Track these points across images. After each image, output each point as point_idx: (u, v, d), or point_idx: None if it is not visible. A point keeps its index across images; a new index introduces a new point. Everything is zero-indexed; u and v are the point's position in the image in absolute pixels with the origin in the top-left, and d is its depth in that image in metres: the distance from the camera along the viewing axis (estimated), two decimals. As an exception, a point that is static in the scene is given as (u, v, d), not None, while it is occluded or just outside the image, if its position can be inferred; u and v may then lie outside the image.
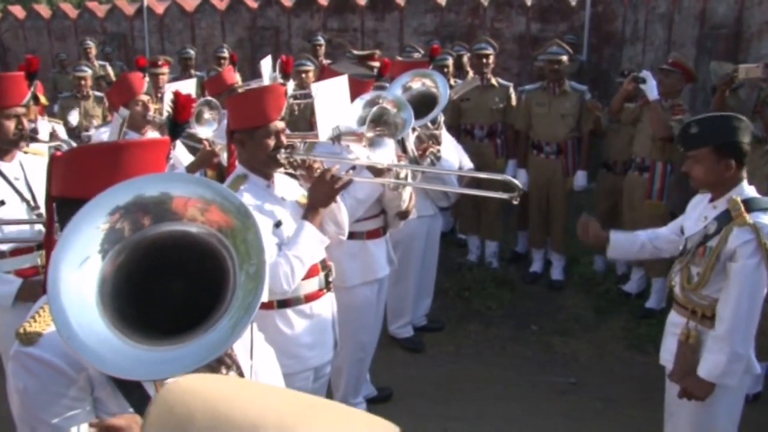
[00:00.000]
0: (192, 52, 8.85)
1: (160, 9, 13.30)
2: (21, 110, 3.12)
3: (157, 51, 12.43)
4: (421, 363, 5.08)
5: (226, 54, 8.61)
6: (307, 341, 3.00)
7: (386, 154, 3.10)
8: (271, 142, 2.83)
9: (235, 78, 5.13)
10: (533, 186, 6.18)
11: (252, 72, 10.73)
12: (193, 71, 8.53)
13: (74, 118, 6.08)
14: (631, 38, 9.37)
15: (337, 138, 3.02)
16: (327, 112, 3.01)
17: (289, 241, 2.80)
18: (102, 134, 5.66)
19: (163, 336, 1.24)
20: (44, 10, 14.96)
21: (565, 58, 5.88)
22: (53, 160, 1.63)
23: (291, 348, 2.91)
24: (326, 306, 3.08)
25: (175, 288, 1.44)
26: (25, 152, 3.32)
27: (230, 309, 1.23)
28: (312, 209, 2.90)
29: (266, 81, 4.75)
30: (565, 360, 5.06)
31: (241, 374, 1.64)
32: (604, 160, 6.12)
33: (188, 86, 4.29)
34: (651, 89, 5.15)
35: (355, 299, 3.83)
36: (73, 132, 6.01)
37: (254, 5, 12.45)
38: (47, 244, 1.70)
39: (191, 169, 4.11)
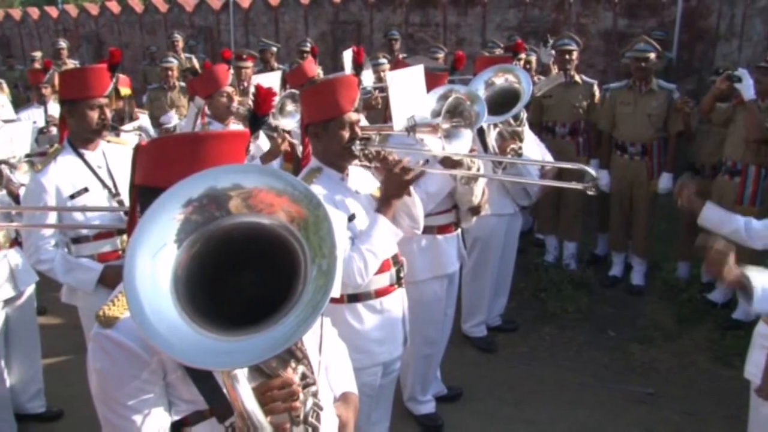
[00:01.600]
0: (270, 45, 8.97)
1: (245, 3, 13.59)
2: (104, 101, 3.23)
3: (242, 44, 12.72)
4: (493, 363, 4.99)
5: (308, 47, 8.71)
6: (376, 336, 2.98)
7: (462, 145, 3.04)
8: (346, 134, 2.81)
9: (316, 70, 5.16)
10: (616, 187, 5.98)
11: (334, 65, 10.83)
12: (276, 64, 8.65)
13: (173, 119, 6.17)
14: (726, 34, 8.92)
15: (411, 129, 2.97)
16: (402, 102, 2.97)
17: (363, 235, 2.78)
18: (184, 125, 5.82)
19: (233, 326, 1.24)
20: (137, 5, 15.55)
21: (653, 55, 5.65)
22: (137, 150, 1.66)
23: (360, 343, 2.89)
24: (397, 302, 3.05)
25: (247, 279, 1.45)
26: (108, 141, 3.43)
27: (299, 305, 1.22)
28: (385, 201, 2.87)
29: (349, 73, 4.76)
30: (643, 369, 4.87)
31: (310, 368, 1.63)
32: (691, 162, 5.84)
33: (272, 79, 4.34)
34: (747, 88, 4.88)
35: (424, 294, 3.79)
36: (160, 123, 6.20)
37: (337, 0, 12.55)
38: (130, 231, 1.72)
39: (264, 160, 4.16)
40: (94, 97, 3.16)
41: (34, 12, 17.43)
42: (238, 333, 1.22)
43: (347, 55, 4.92)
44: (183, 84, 7.76)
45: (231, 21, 13.43)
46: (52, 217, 3.24)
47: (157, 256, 1.27)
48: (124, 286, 1.22)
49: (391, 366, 3.19)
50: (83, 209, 3.04)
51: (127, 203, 3.26)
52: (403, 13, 11.95)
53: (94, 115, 3.18)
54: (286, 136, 4.15)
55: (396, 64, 3.85)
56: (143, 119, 5.32)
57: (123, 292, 1.45)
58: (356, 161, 2.92)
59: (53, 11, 17.09)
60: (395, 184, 2.84)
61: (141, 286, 1.23)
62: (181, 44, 10.19)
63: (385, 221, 2.81)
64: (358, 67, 3.66)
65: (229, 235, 1.34)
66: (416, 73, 3.11)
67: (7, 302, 3.98)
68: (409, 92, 3.04)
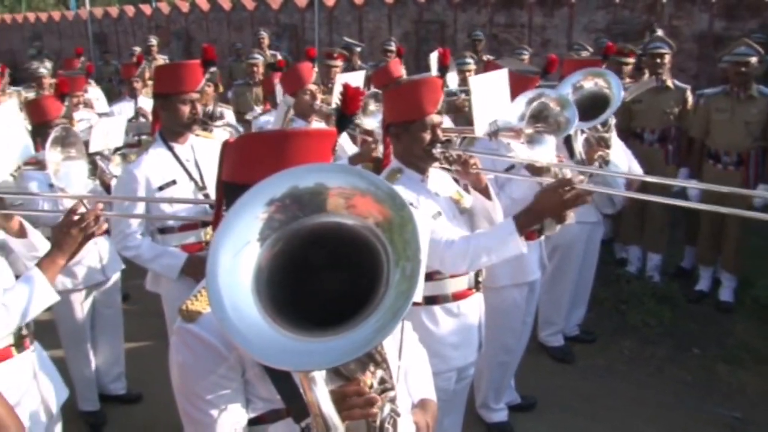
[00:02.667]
0: (354, 44, 9.02)
1: (330, 2, 13.75)
2: (195, 96, 3.30)
3: (325, 43, 12.86)
4: (569, 374, 4.85)
5: (393, 47, 8.71)
6: (452, 341, 2.94)
7: (546, 152, 2.95)
8: (427, 136, 2.79)
9: (401, 70, 5.14)
10: (706, 199, 5.70)
11: (417, 66, 10.81)
12: (359, 63, 8.70)
13: (252, 107, 6.35)
14: (835, 38, 8.39)
15: (494, 133, 2.91)
16: (484, 107, 2.91)
17: (481, 235, 2.75)
18: (262, 121, 5.91)
19: (312, 327, 1.23)
20: (225, 3, 15.96)
21: (754, 59, 5.34)
22: (225, 146, 1.67)
23: (435, 346, 2.85)
24: (474, 306, 3.00)
25: (329, 280, 1.43)
26: (197, 135, 3.52)
27: (380, 308, 1.19)
28: (532, 214, 2.75)
29: (435, 74, 4.72)
30: (730, 391, 4.62)
31: (389, 373, 1.60)
32: (792, 174, 5.52)
33: (357, 78, 4.35)
34: None
35: (503, 301, 3.72)
36: (244, 118, 6.32)
37: (421, -1, 12.54)
38: (215, 226, 1.74)
39: (353, 161, 4.17)
40: (186, 92, 3.24)
41: (130, 9, 18.17)
42: (318, 334, 1.21)
43: (434, 57, 4.88)
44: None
45: (315, 19, 13.61)
46: (140, 208, 3.35)
47: (240, 254, 1.27)
48: (207, 282, 1.23)
49: (465, 371, 3.14)
50: (171, 200, 3.12)
51: (213, 197, 3.33)
52: (488, 13, 11.82)
53: (186, 109, 3.26)
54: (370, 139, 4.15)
55: (487, 66, 3.77)
56: (228, 115, 5.43)
57: (206, 287, 1.52)
58: (437, 164, 2.88)
59: (147, 9, 17.78)
60: (553, 203, 2.69)
61: (223, 282, 1.23)
62: (266, 41, 10.39)
63: (513, 230, 2.72)
64: (443, 69, 3.60)
65: (312, 235, 1.33)
66: (500, 77, 3.05)
67: (95, 288, 4.14)
68: (493, 96, 2.98)
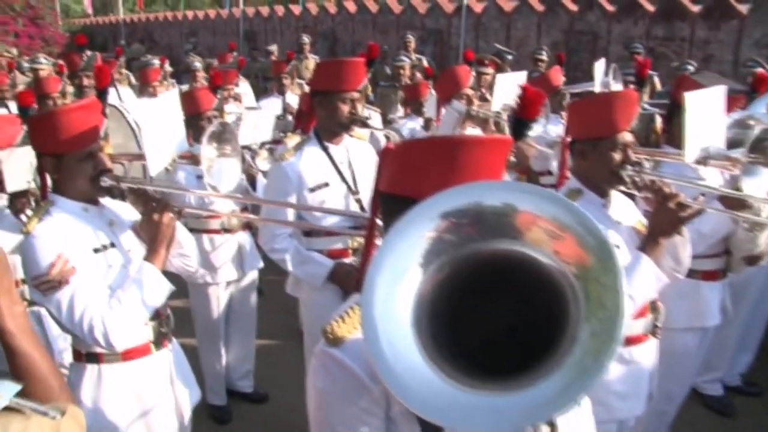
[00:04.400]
0: (506, 51, 8.72)
1: (478, 8, 13.50)
2: (356, 95, 3.14)
3: (471, 49, 12.59)
4: (726, 429, 4.30)
5: (544, 56, 8.36)
6: (619, 389, 2.60)
7: (757, 185, 2.54)
8: (617, 156, 2.49)
9: (561, 80, 4.80)
10: None
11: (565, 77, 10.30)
12: (509, 70, 8.37)
13: (395, 108, 6.27)
14: None
15: (703, 160, 2.53)
16: (698, 129, 2.53)
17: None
18: (404, 126, 5.73)
19: (477, 373, 1.08)
20: (373, 5, 16.11)
21: None
22: (385, 153, 1.47)
23: (600, 393, 2.52)
24: (648, 353, 2.65)
25: (500, 319, 1.26)
26: (351, 136, 3.36)
27: (562, 366, 1.01)
28: (652, 239, 2.47)
29: (597, 86, 4.36)
30: None
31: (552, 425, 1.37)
32: None
33: (518, 80, 4.05)
34: None
35: (674, 344, 3.29)
36: (389, 121, 6.18)
37: (574, 8, 11.99)
38: (368, 237, 1.60)
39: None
40: (347, 90, 3.07)
41: (280, 9, 18.79)
42: (486, 385, 1.05)
43: (599, 66, 4.51)
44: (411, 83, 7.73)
45: (462, 25, 13.38)
46: (290, 209, 3.21)
47: (400, 281, 1.11)
48: (362, 311, 1.08)
49: (626, 424, 2.78)
50: (322, 210, 2.96)
51: (365, 201, 3.19)
52: (645, 24, 11.11)
53: (345, 108, 3.10)
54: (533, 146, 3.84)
55: (681, 82, 3.36)
56: (375, 118, 5.28)
57: (354, 308, 1.39)
58: (622, 187, 2.54)
59: (296, 9, 18.29)
60: (667, 221, 2.44)
61: (379, 313, 1.08)
62: (413, 45, 10.30)
63: (649, 262, 2.41)
64: (640, 82, 3.22)
65: (487, 263, 1.14)
66: (717, 94, 2.66)
67: (233, 283, 4.13)
68: (707, 117, 2.59)
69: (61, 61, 7.37)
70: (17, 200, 2.91)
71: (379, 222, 1.54)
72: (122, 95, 7.22)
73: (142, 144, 2.21)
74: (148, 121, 2.20)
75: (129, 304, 2.20)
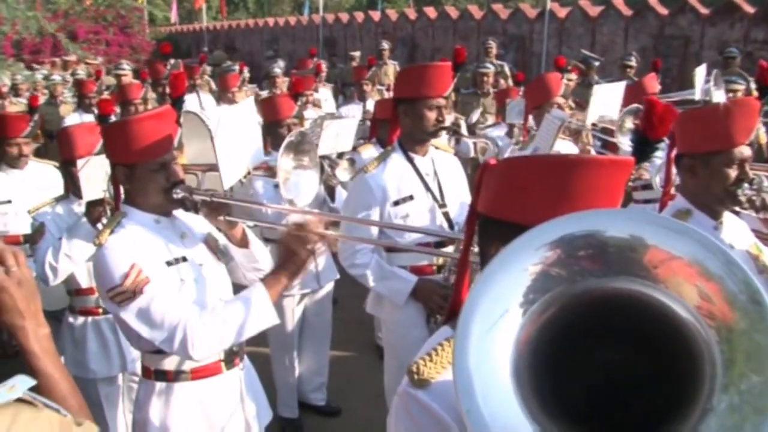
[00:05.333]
0: (592, 57, 8.39)
1: (562, 13, 13.17)
2: (443, 102, 2.98)
3: (554, 55, 12.26)
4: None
5: (633, 62, 8.00)
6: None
7: None
8: (733, 173, 2.24)
9: (657, 88, 4.51)
10: None
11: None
12: (595, 78, 8.06)
13: (475, 115, 6.12)
14: None
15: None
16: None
17: None
18: (491, 132, 5.54)
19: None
20: (453, 11, 15.95)
21: None
22: (485, 169, 1.31)
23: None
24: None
25: (613, 370, 1.07)
26: (436, 148, 3.21)
27: None
28: None
29: (698, 94, 4.06)
30: None
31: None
32: None
33: (617, 91, 3.80)
34: None
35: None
36: (470, 128, 6.02)
37: (664, 12, 11.48)
38: (462, 261, 1.42)
39: None
40: (433, 96, 2.92)
41: (360, 16, 18.88)
42: None
43: (699, 72, 4.20)
44: (495, 90, 7.53)
45: (545, 30, 13.04)
46: (374, 219, 3.09)
47: (498, 325, 0.96)
48: (454, 358, 0.95)
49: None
50: (406, 229, 2.80)
51: (452, 214, 3.03)
52: (743, 27, 10.50)
53: (432, 116, 2.94)
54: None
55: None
56: (461, 124, 5.12)
57: (443, 345, 1.28)
58: (737, 207, 2.29)
59: (376, 15, 18.32)
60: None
61: (474, 364, 0.94)
62: (494, 51, 10.08)
63: None
64: (764, 89, 2.92)
65: (600, 304, 0.98)
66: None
67: (308, 295, 4.04)
68: None
69: (143, 69, 7.57)
70: (94, 209, 2.90)
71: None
72: (203, 102, 7.33)
73: (215, 155, 2.09)
74: (222, 132, 2.10)
75: (223, 321, 2.10)
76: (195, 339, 2.05)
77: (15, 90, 8.98)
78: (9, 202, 4.00)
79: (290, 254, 2.10)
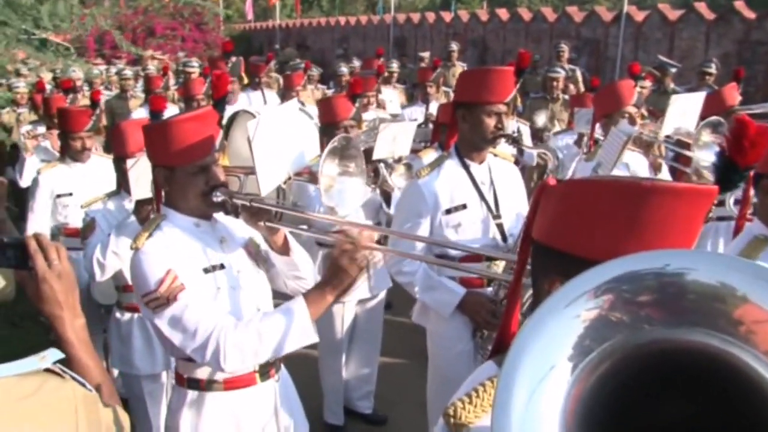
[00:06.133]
0: (670, 64, 8.01)
1: (639, 17, 12.72)
2: (503, 108, 2.84)
3: (629, 60, 11.84)
4: None
5: (713, 69, 7.59)
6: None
7: None
8: None
9: (737, 99, 4.22)
10: None
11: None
12: (671, 86, 7.69)
13: (541, 119, 5.93)
14: None
15: None
16: None
17: None
18: (560, 140, 5.34)
19: None
20: (526, 14, 15.64)
21: None
22: (543, 190, 1.17)
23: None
24: None
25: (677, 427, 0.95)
26: (495, 155, 3.07)
27: None
28: None
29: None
30: None
31: None
32: None
33: (695, 102, 3.55)
34: None
35: None
36: (536, 134, 5.82)
37: (751, 16, 10.90)
38: (512, 290, 1.29)
39: None
40: (494, 102, 2.78)
41: (431, 16, 18.75)
42: None
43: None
44: (566, 97, 7.29)
45: (620, 34, 12.60)
46: (424, 228, 2.98)
47: (545, 377, 0.84)
48: (493, 417, 0.83)
49: None
50: (456, 247, 2.66)
51: (507, 226, 2.91)
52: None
53: (491, 122, 2.81)
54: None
55: None
56: (524, 132, 4.93)
57: (485, 385, 1.17)
58: None
59: (447, 16, 18.15)
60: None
61: (517, 417, 0.82)
62: (566, 55, 9.80)
63: None
64: None
65: (672, 360, 0.85)
66: None
67: (360, 302, 3.97)
68: None
69: (207, 64, 7.68)
70: (143, 208, 2.88)
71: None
72: (268, 99, 7.34)
73: (253, 158, 2.00)
74: (260, 135, 2.00)
75: (258, 334, 2.01)
76: (228, 351, 1.97)
77: (90, 84, 9.26)
78: (70, 194, 4.08)
79: (339, 270, 1.95)
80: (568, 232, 1.10)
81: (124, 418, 1.28)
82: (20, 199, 5.59)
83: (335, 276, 1.96)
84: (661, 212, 1.03)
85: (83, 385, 1.16)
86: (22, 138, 5.67)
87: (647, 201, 1.04)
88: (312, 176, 2.19)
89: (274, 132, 2.10)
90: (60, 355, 1.14)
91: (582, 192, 1.13)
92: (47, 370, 1.11)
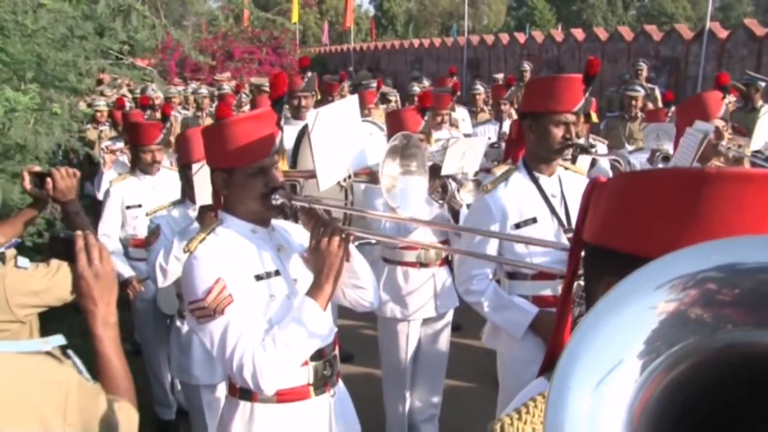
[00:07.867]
0: (758, 78, 7.61)
1: (723, 34, 12.22)
2: (571, 117, 2.69)
3: (711, 79, 11.40)
4: None
5: (804, 86, 7.15)
6: None
7: None
8: None
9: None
10: None
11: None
12: (760, 102, 7.30)
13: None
14: None
15: None
16: None
17: None
18: (634, 159, 5.10)
19: None
20: (602, 33, 15.34)
21: None
22: (593, 188, 1.04)
23: None
24: None
25: None
26: (566, 168, 2.91)
27: None
28: None
29: None
30: None
31: None
32: None
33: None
34: None
35: None
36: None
37: None
38: (563, 299, 1.21)
39: None
40: (561, 111, 2.64)
41: (504, 37, 18.65)
42: None
43: None
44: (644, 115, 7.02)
45: (703, 52, 12.13)
46: (493, 245, 2.85)
47: (607, 382, 0.71)
48: (546, 421, 0.71)
49: None
50: (528, 241, 2.50)
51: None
52: None
53: (558, 132, 2.66)
54: None
55: None
56: (601, 150, 4.72)
57: (537, 399, 1.07)
58: None
59: (521, 37, 18.00)
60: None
61: (573, 420, 0.70)
62: (645, 73, 9.49)
63: None
64: None
65: (753, 361, 0.72)
66: None
67: (426, 321, 3.84)
68: None
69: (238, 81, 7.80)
70: (206, 213, 2.86)
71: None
72: (339, 117, 7.33)
73: (311, 151, 1.93)
74: (318, 126, 1.93)
75: (284, 344, 1.96)
76: (262, 371, 1.93)
77: (168, 102, 9.57)
78: (139, 206, 4.14)
79: (321, 256, 2.00)
80: (621, 229, 0.96)
81: (129, 417, 1.35)
82: (98, 212, 5.76)
83: (322, 263, 2.00)
84: (728, 201, 0.89)
85: (80, 371, 1.22)
86: (101, 153, 5.85)
87: (711, 189, 0.90)
88: (372, 176, 2.10)
89: (333, 126, 2.04)
90: (62, 341, 1.21)
91: (637, 183, 0.99)
92: (49, 354, 1.17)
